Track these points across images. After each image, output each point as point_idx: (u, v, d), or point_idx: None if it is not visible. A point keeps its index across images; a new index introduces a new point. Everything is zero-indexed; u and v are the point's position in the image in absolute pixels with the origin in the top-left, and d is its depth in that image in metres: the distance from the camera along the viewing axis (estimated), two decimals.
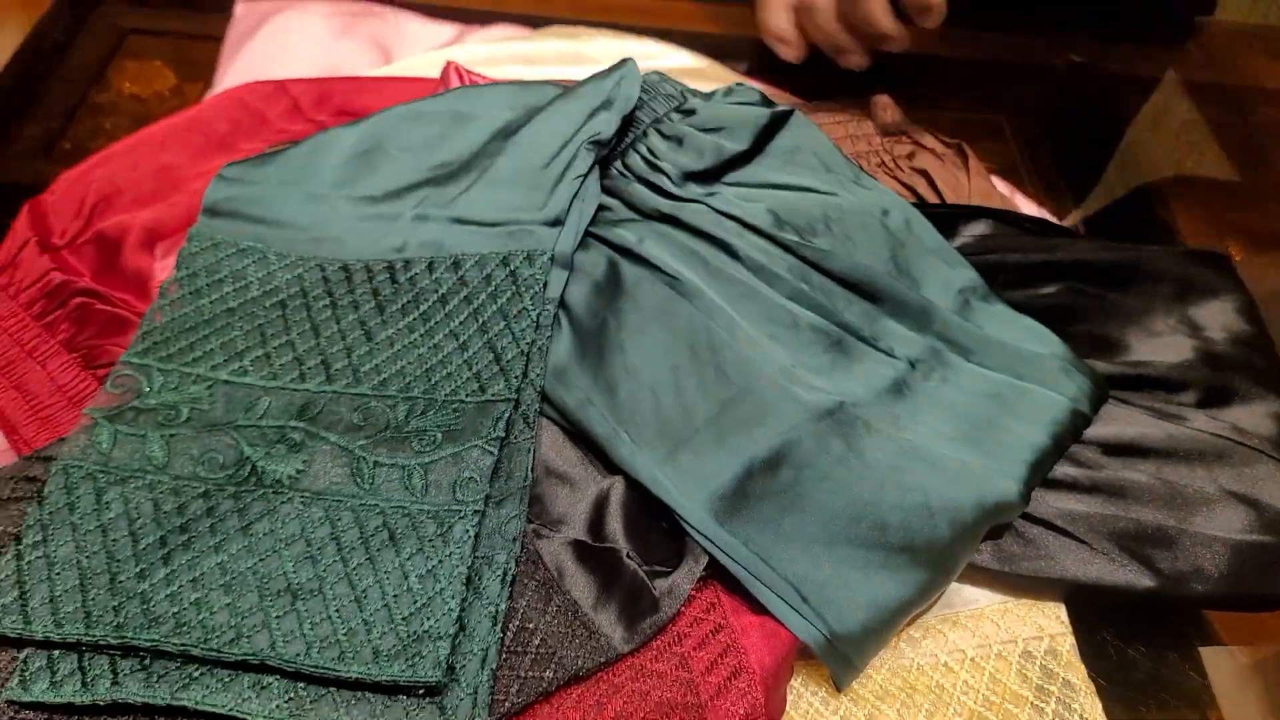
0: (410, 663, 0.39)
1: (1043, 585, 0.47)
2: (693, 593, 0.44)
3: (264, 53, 0.70)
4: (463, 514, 0.43)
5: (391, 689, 0.39)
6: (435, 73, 0.66)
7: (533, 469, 0.46)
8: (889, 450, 0.47)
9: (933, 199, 0.64)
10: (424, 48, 0.72)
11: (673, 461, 0.46)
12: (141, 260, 0.52)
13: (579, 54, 0.72)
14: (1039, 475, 0.48)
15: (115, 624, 0.39)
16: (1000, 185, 0.67)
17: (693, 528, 0.44)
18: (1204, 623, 0.49)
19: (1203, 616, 0.50)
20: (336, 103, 0.64)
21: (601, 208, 0.56)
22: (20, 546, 0.41)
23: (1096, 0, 0.71)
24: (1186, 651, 0.48)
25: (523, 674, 0.40)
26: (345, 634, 0.39)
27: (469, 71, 0.64)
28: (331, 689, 0.39)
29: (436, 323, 0.50)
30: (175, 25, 0.79)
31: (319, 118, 0.63)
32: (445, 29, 0.75)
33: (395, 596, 0.41)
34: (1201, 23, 0.89)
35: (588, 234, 0.54)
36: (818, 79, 0.70)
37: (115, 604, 0.39)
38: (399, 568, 0.41)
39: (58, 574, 0.40)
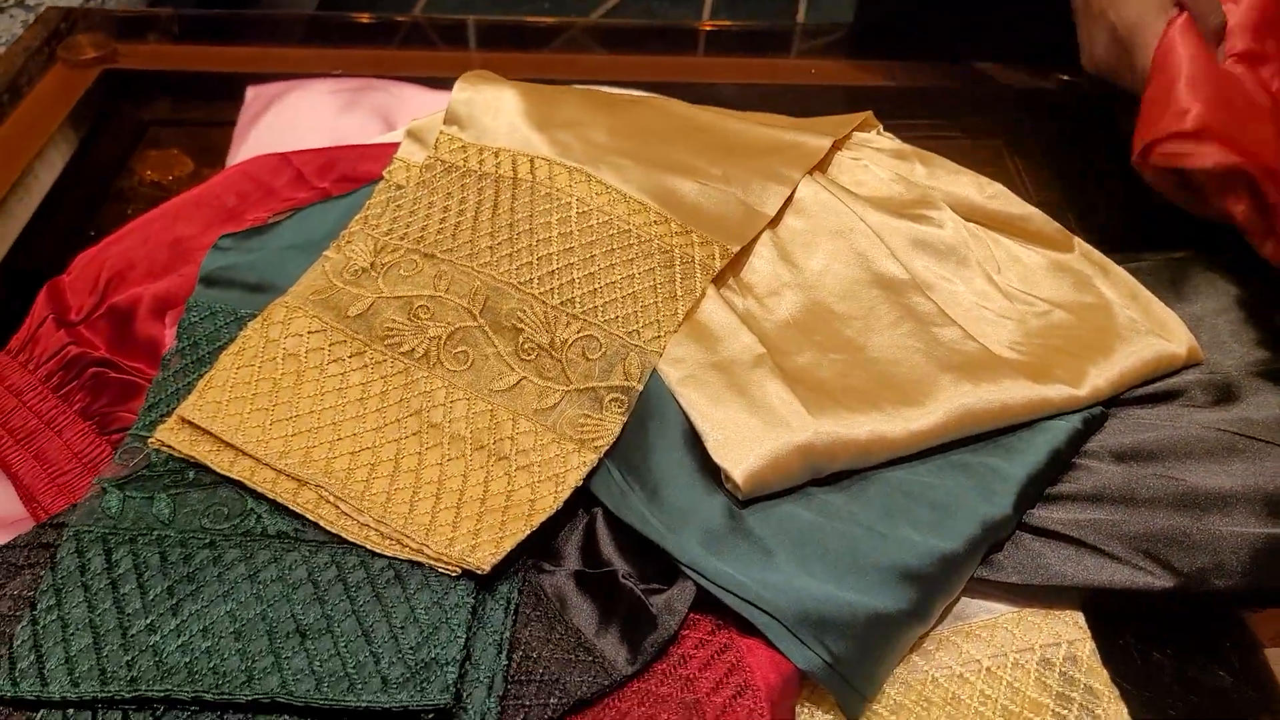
0: (419, 688, 0.39)
1: (1057, 593, 0.46)
2: (697, 616, 0.44)
3: (273, 131, 0.73)
4: None
5: (402, 716, 0.39)
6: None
7: None
8: (883, 487, 0.47)
9: None
10: (425, 114, 0.74)
11: (658, 500, 0.45)
12: (152, 328, 0.54)
13: None
14: (1035, 491, 0.48)
15: (130, 678, 0.39)
16: None
17: (683, 565, 0.44)
18: (1231, 622, 0.48)
19: (1230, 615, 0.48)
20: (340, 170, 0.66)
21: None
22: (35, 611, 0.42)
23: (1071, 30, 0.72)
24: (1214, 652, 0.46)
25: (528, 701, 0.40)
26: (354, 667, 0.40)
27: None
28: None
29: None
30: (193, 114, 0.82)
31: (323, 185, 0.65)
32: (446, 97, 0.77)
33: (402, 628, 0.41)
34: None
35: None
36: None
37: (129, 659, 0.40)
38: (405, 601, 0.42)
39: (72, 635, 0.41)
